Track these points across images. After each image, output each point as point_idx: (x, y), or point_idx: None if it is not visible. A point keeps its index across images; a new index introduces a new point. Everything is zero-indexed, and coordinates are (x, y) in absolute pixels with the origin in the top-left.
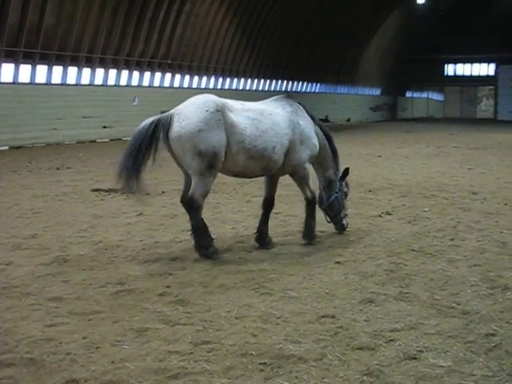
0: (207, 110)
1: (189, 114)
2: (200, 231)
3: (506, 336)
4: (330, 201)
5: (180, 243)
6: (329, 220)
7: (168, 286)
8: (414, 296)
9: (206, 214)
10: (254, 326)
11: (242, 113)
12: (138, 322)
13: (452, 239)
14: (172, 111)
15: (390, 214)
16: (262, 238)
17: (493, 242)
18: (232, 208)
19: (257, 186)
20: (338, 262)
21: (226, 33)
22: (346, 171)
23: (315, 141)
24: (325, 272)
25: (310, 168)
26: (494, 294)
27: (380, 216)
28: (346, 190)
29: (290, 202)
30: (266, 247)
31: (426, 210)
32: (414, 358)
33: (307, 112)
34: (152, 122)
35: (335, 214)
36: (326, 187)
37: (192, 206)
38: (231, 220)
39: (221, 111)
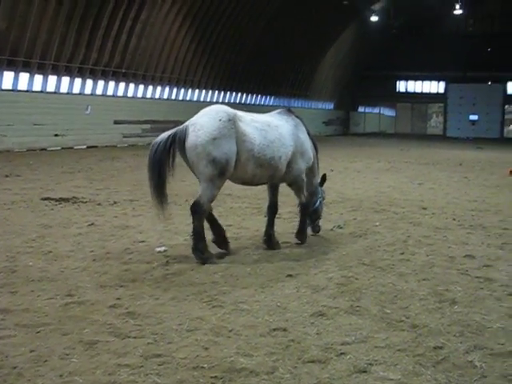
0: (220, 120)
1: (203, 123)
2: (200, 235)
3: (454, 349)
4: (317, 205)
5: (131, 254)
6: (309, 222)
7: (119, 298)
8: (365, 310)
9: (159, 226)
10: (206, 339)
11: (251, 123)
12: (87, 334)
13: (402, 253)
14: (187, 123)
15: (341, 228)
16: (270, 241)
17: (441, 257)
18: (184, 219)
19: None
20: (290, 275)
21: (181, 42)
22: (324, 177)
23: (311, 154)
24: (277, 285)
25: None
26: (442, 307)
27: (332, 230)
28: (324, 194)
29: (243, 215)
30: (275, 248)
31: (377, 224)
32: (364, 372)
33: (305, 126)
34: (169, 136)
35: (317, 217)
36: (312, 192)
37: (197, 210)
38: (183, 231)
39: (232, 120)
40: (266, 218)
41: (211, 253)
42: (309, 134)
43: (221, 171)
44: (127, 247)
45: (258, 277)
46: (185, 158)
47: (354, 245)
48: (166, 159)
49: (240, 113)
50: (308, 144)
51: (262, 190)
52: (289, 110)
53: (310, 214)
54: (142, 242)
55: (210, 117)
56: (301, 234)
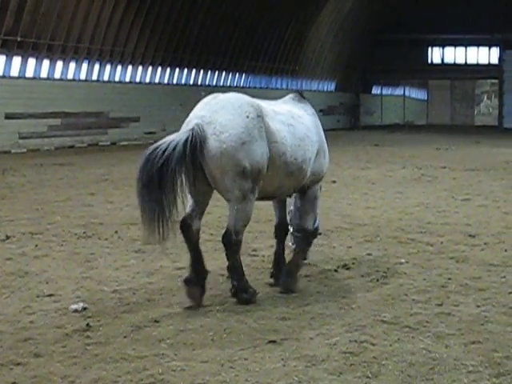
0: (247, 116)
1: (225, 122)
2: (239, 272)
3: None
4: (317, 223)
5: (33, 315)
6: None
7: (14, 383)
8: None
9: (75, 271)
10: None
11: (276, 117)
12: None
13: (440, 304)
14: (198, 121)
15: (349, 269)
16: (288, 275)
17: (498, 308)
18: (113, 262)
19: None
20: (273, 342)
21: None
22: None
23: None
24: (253, 356)
25: None
26: (501, 383)
27: (335, 271)
28: None
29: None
30: (292, 287)
31: (402, 261)
32: None
33: None
34: (184, 143)
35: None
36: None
37: (231, 240)
38: (112, 280)
39: (261, 116)
40: (275, 243)
41: (254, 289)
42: None
43: (254, 184)
44: (27, 305)
45: (224, 344)
46: (197, 172)
47: (369, 293)
48: (176, 177)
49: (259, 101)
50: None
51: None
52: (301, 95)
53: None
54: (50, 296)
55: (232, 112)
56: (292, 275)
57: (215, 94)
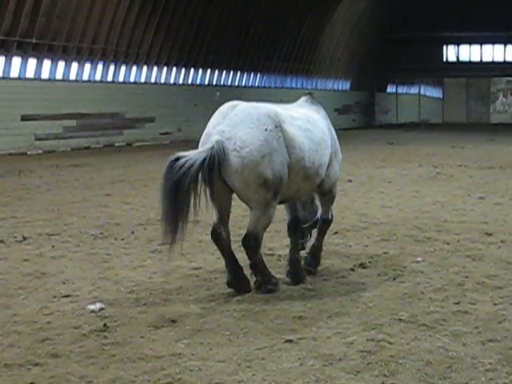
0: (266, 129)
1: (245, 137)
2: (260, 267)
3: None
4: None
5: (50, 316)
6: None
7: (32, 383)
8: None
9: (92, 272)
10: None
11: (294, 122)
12: None
13: (457, 303)
14: (218, 137)
15: (365, 267)
16: (296, 271)
17: None
18: (130, 262)
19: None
20: (290, 341)
21: (119, 0)
22: None
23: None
24: (270, 356)
25: None
26: None
27: (352, 270)
28: None
29: (217, 251)
30: (304, 282)
31: (419, 260)
32: None
33: None
34: (202, 162)
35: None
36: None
37: (251, 243)
38: (128, 280)
39: (279, 126)
40: (289, 241)
41: (277, 280)
42: None
43: (275, 191)
44: (44, 305)
45: (241, 344)
46: (215, 185)
47: (386, 292)
48: (190, 192)
49: (276, 108)
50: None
51: (242, 215)
52: (311, 96)
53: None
54: (67, 296)
55: (251, 126)
56: (315, 258)
57: (233, 103)
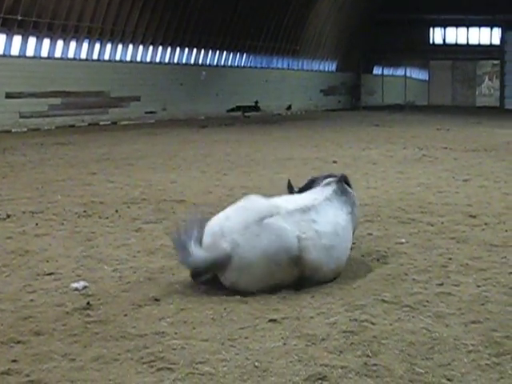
0: (280, 264)
1: (255, 267)
2: None
3: None
4: None
5: (33, 294)
6: None
7: (15, 361)
8: (386, 369)
9: (76, 250)
10: None
11: (319, 242)
12: None
13: (440, 284)
14: (227, 246)
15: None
16: None
17: (498, 288)
18: (113, 240)
19: (151, 207)
20: (273, 320)
21: None
22: (289, 184)
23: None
24: (253, 335)
25: None
26: (500, 363)
27: None
28: None
29: None
30: None
31: (403, 241)
32: None
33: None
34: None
35: None
36: None
37: None
38: (112, 258)
39: (295, 260)
40: None
41: None
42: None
43: None
44: (27, 283)
45: (224, 323)
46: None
47: (369, 273)
48: None
49: (301, 226)
50: None
51: (227, 195)
52: (346, 182)
53: None
54: (50, 274)
55: (265, 255)
56: None
57: (255, 213)
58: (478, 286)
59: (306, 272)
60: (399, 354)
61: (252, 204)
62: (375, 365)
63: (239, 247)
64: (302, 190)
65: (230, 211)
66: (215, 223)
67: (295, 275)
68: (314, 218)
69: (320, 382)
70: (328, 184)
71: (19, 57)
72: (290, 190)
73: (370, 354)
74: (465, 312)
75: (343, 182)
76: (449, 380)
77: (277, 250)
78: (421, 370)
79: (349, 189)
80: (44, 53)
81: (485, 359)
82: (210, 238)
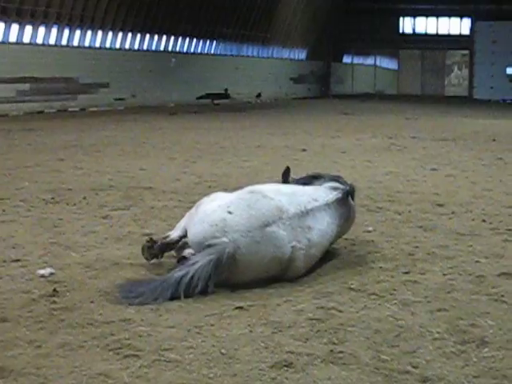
0: (269, 269)
1: (247, 270)
2: None
3: None
4: None
5: None
6: None
7: None
8: (352, 356)
9: (43, 236)
10: None
11: (309, 251)
12: None
13: (407, 272)
14: (229, 245)
15: None
16: None
17: (465, 276)
18: (81, 227)
19: (119, 194)
20: (240, 308)
21: None
22: (286, 171)
23: None
24: (220, 322)
25: None
26: (465, 351)
27: None
28: None
29: (169, 218)
30: None
31: (370, 229)
32: None
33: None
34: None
35: None
36: None
37: None
38: (80, 245)
39: (284, 266)
40: None
41: None
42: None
43: None
44: None
45: (191, 310)
46: None
47: (336, 261)
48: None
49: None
50: None
51: (195, 183)
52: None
53: None
54: (17, 261)
55: (258, 262)
56: None
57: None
58: (445, 275)
59: (288, 274)
60: (365, 342)
61: (256, 203)
62: (341, 352)
63: (239, 249)
64: (299, 183)
65: (231, 202)
66: (215, 212)
67: (276, 275)
68: (310, 225)
69: (286, 369)
70: (334, 189)
71: None
72: (286, 178)
73: (336, 342)
74: (431, 300)
75: (349, 195)
76: (414, 367)
77: (272, 258)
78: (386, 358)
79: (352, 202)
80: (12, 38)
81: (450, 347)
82: (209, 228)
